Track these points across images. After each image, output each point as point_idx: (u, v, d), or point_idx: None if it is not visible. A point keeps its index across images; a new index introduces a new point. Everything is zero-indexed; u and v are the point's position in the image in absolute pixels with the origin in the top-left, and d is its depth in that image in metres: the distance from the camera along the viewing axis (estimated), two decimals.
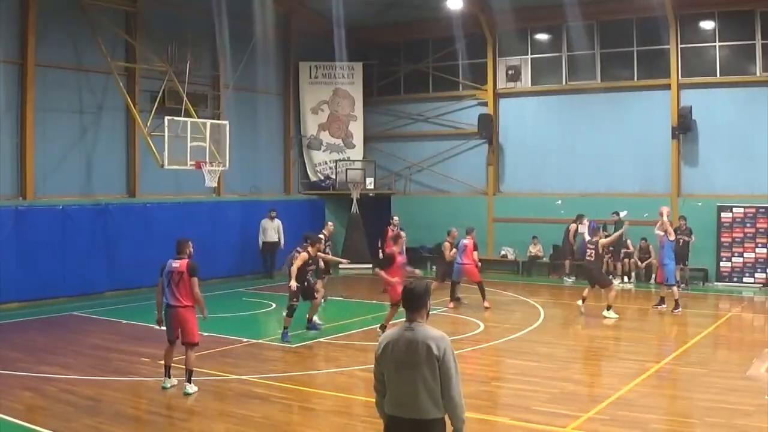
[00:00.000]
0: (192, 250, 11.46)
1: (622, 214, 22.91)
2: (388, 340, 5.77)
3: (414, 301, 5.80)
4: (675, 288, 18.35)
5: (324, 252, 17.53)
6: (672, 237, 18.53)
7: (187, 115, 20.76)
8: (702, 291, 22.27)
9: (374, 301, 19.30)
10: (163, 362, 11.52)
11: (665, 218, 18.60)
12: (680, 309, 18.13)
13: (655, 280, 19.49)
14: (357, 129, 29.37)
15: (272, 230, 24.81)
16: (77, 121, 21.24)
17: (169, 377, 11.39)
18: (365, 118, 29.51)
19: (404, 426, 5.65)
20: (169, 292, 11.14)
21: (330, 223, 20.31)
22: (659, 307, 18.71)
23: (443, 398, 5.61)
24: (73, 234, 20.03)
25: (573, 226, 23.51)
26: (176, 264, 11.14)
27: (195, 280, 11.07)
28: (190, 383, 11.12)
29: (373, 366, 5.89)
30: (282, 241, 24.70)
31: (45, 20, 20.04)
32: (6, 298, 18.46)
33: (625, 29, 24.67)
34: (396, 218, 23.41)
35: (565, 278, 24.16)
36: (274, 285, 22.53)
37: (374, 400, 5.97)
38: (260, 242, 24.60)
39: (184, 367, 11.22)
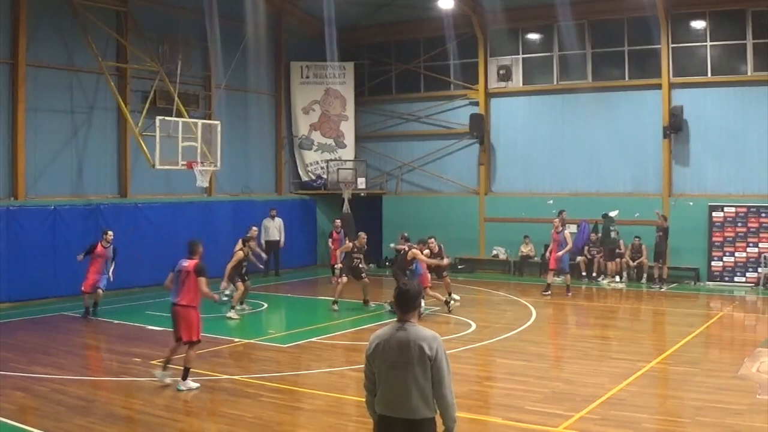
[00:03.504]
0: (202, 250, 11.97)
1: (613, 213, 22.99)
2: (379, 340, 5.77)
3: (407, 302, 5.80)
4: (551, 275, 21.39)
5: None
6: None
7: (179, 115, 20.73)
8: (693, 290, 22.31)
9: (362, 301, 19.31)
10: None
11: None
12: (549, 292, 20.92)
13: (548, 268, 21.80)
14: (348, 129, 29.34)
15: (274, 229, 25.13)
16: (68, 121, 21.18)
17: (164, 370, 11.59)
18: (356, 118, 29.49)
19: (395, 425, 5.66)
20: (175, 289, 11.51)
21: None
22: (546, 294, 20.85)
23: (435, 398, 5.62)
24: (65, 234, 19.96)
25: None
26: (186, 263, 11.54)
27: (202, 279, 11.43)
28: (184, 381, 11.28)
29: (364, 365, 5.90)
30: (282, 240, 25.10)
31: (36, 20, 20.01)
32: None
33: (616, 29, 24.68)
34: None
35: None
36: (268, 284, 22.49)
37: (365, 399, 5.98)
38: (262, 241, 24.50)
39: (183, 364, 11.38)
